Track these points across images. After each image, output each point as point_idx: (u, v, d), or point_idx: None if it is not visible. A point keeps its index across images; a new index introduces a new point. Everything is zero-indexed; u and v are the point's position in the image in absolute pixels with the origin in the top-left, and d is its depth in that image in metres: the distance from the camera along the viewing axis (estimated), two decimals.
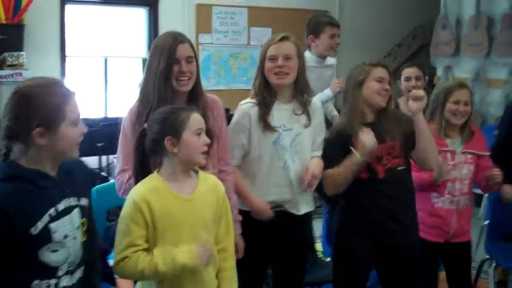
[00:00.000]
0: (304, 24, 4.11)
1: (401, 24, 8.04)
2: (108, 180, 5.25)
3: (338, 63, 4.27)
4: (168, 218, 2.14)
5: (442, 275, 3.27)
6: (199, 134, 2.19)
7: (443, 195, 3.07)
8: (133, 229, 2.12)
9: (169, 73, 2.44)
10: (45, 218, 1.84)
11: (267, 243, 2.80)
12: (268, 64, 2.73)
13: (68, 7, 6.30)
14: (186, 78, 2.48)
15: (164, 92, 2.43)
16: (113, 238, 2.19)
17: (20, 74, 5.47)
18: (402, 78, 3.79)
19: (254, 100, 2.76)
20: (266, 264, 2.92)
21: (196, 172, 2.27)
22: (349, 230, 2.86)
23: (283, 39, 2.74)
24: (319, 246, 3.92)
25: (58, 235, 1.87)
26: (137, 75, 6.70)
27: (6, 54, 5.35)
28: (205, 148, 2.20)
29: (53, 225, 1.86)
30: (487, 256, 3.72)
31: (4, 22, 5.49)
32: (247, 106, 2.76)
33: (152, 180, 2.19)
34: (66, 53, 6.32)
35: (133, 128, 2.45)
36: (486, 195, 4.06)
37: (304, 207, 2.84)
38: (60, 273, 1.90)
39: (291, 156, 2.75)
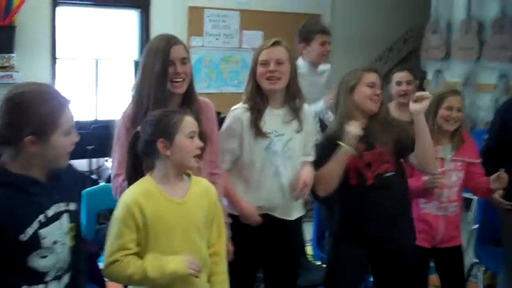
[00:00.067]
0: (296, 27, 4.13)
1: (392, 28, 8.08)
2: (99, 183, 5.25)
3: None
4: (160, 221, 2.14)
5: (432, 278, 3.28)
6: (192, 137, 2.19)
7: (430, 201, 3.08)
8: (124, 232, 2.11)
9: (165, 75, 2.44)
10: (35, 225, 1.82)
11: (257, 247, 2.80)
12: (260, 69, 2.73)
13: (59, 9, 6.28)
14: (181, 79, 2.48)
15: (159, 94, 2.42)
16: (103, 241, 2.19)
17: (11, 76, 5.46)
18: (393, 82, 3.80)
19: (246, 105, 2.76)
20: (257, 268, 2.92)
21: (189, 175, 2.27)
22: (342, 238, 2.87)
23: (275, 44, 2.75)
24: (309, 249, 3.93)
25: (48, 241, 1.86)
26: (129, 78, 6.69)
27: None
28: (198, 151, 2.20)
29: (42, 231, 1.84)
30: (476, 260, 3.73)
31: None
32: (239, 111, 2.76)
33: (144, 183, 2.19)
34: (57, 55, 6.29)
35: (127, 131, 2.44)
36: (476, 198, 4.08)
37: (295, 212, 2.85)
38: (48, 278, 1.89)
39: (282, 162, 2.75)
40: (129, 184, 2.24)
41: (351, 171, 2.78)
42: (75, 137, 1.91)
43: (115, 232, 2.13)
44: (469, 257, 3.69)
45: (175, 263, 2.10)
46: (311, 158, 2.87)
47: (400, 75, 3.78)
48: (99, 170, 5.73)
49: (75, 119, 1.93)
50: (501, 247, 3.46)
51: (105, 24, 6.64)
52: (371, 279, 3.04)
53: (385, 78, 3.29)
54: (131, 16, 6.83)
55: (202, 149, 2.24)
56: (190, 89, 2.55)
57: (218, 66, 7.16)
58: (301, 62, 3.88)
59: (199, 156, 2.22)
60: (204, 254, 2.24)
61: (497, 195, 3.20)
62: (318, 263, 3.77)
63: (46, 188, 1.89)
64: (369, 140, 2.77)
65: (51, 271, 1.89)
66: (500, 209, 3.26)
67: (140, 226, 2.12)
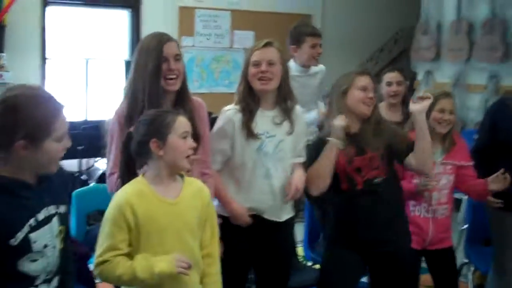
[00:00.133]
0: (287, 27, 4.14)
1: (383, 29, 8.10)
2: (88, 184, 5.23)
3: None
4: (152, 222, 2.14)
5: (424, 278, 3.30)
6: (185, 138, 2.19)
7: (420, 203, 3.09)
8: (115, 232, 2.11)
9: (158, 71, 2.44)
10: (25, 229, 1.80)
11: (247, 247, 2.79)
12: (252, 70, 2.73)
13: (50, 9, 6.26)
14: (175, 76, 2.48)
15: (154, 91, 2.43)
16: (94, 242, 2.19)
17: (1, 76, 5.44)
18: (383, 83, 3.81)
19: (237, 107, 2.76)
20: (248, 269, 2.92)
21: (182, 176, 2.26)
22: (336, 241, 2.88)
23: (266, 45, 2.75)
24: (300, 250, 3.93)
25: (38, 244, 1.84)
26: (119, 78, 6.68)
27: None
28: (191, 152, 2.20)
29: (33, 235, 1.82)
30: (466, 260, 3.75)
31: None
32: (230, 113, 2.76)
33: (137, 184, 2.19)
34: (47, 55, 6.27)
35: (121, 129, 2.43)
36: (466, 199, 4.10)
37: (284, 214, 2.86)
38: (38, 282, 1.88)
39: (273, 163, 2.76)
40: (123, 184, 2.24)
41: (342, 175, 2.79)
42: (67, 143, 1.88)
43: (106, 232, 2.13)
44: (459, 257, 3.69)
45: (163, 263, 2.09)
46: (302, 159, 2.87)
47: (390, 76, 3.79)
48: (89, 170, 5.70)
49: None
50: (490, 247, 3.48)
51: (96, 24, 6.63)
52: (363, 279, 3.05)
53: (376, 79, 3.30)
54: (122, 16, 6.81)
55: (195, 149, 2.24)
56: (184, 88, 2.55)
57: (209, 66, 7.16)
58: (292, 64, 3.88)
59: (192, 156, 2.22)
60: (196, 255, 2.24)
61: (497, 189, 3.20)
62: (309, 264, 3.77)
63: (36, 191, 1.87)
64: (360, 145, 2.78)
65: (41, 275, 1.88)
66: (490, 208, 3.27)
67: (132, 226, 2.12)
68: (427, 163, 2.84)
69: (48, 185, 1.92)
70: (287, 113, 2.78)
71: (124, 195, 2.15)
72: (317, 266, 3.64)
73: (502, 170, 3.04)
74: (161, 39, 2.48)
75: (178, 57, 2.50)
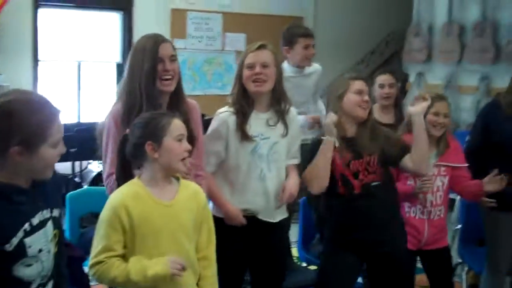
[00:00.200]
0: (279, 30, 4.15)
1: (375, 31, 8.13)
2: (82, 186, 5.21)
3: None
4: (147, 223, 2.13)
5: (420, 278, 3.31)
6: (180, 140, 2.19)
7: (414, 205, 3.11)
8: (110, 234, 2.11)
9: (154, 72, 2.44)
10: (20, 234, 1.78)
11: (241, 248, 2.80)
12: (246, 72, 2.74)
13: (41, 11, 6.24)
14: (170, 77, 2.49)
15: (150, 92, 2.43)
16: (88, 245, 2.19)
17: None
18: (376, 85, 3.82)
19: (232, 109, 2.77)
20: (243, 270, 2.92)
21: (178, 178, 2.27)
22: (333, 244, 2.89)
23: (260, 47, 2.76)
24: (294, 251, 3.94)
25: (33, 249, 1.82)
26: (111, 80, 6.67)
27: None
28: (186, 154, 2.20)
29: (28, 240, 1.80)
30: (460, 260, 3.76)
31: None
32: (225, 115, 2.76)
33: (132, 186, 2.19)
34: (39, 57, 6.25)
35: (118, 130, 2.43)
36: (459, 198, 4.12)
37: (279, 215, 2.86)
38: (33, 286, 1.86)
39: (267, 165, 2.76)
40: (119, 186, 2.24)
41: (339, 179, 2.80)
42: (62, 149, 1.86)
43: (101, 234, 2.13)
44: (453, 257, 3.71)
45: (157, 266, 2.09)
46: (297, 161, 2.89)
47: (382, 78, 3.81)
48: (82, 173, 5.69)
49: None
50: (484, 246, 3.49)
51: (88, 26, 6.61)
52: (360, 280, 3.06)
53: (369, 82, 3.32)
54: (114, 19, 6.80)
55: (190, 152, 2.24)
56: (179, 89, 2.55)
57: (201, 68, 7.16)
58: (286, 65, 3.89)
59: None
60: (192, 257, 2.23)
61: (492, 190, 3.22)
62: (304, 264, 3.78)
63: (30, 196, 1.85)
64: (357, 149, 2.80)
65: (36, 279, 1.86)
66: (483, 208, 3.29)
67: (127, 228, 2.12)
68: (424, 165, 2.86)
69: (41, 189, 1.90)
70: (281, 115, 2.79)
71: (119, 197, 2.16)
72: (312, 267, 3.66)
73: (496, 171, 3.05)
74: (157, 40, 2.49)
75: (173, 58, 2.50)
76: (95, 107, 6.52)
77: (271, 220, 2.82)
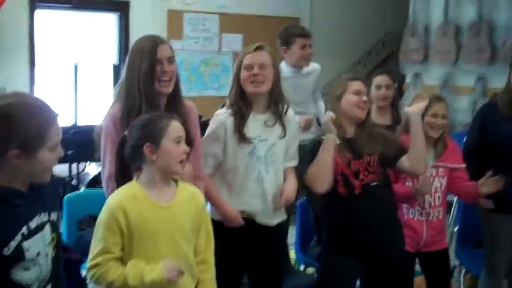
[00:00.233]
0: (275, 30, 4.16)
1: (371, 31, 8.13)
2: (79, 189, 5.20)
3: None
4: (145, 225, 2.13)
5: (417, 280, 3.31)
6: (178, 142, 2.19)
7: (413, 207, 3.11)
8: (108, 236, 2.12)
9: (152, 73, 2.44)
10: (18, 237, 1.78)
11: (240, 252, 2.80)
12: (243, 73, 2.74)
13: (38, 12, 6.23)
14: (168, 78, 2.49)
15: (149, 93, 2.43)
16: (85, 248, 2.19)
17: None
18: (373, 86, 3.82)
19: (229, 111, 2.77)
20: (241, 272, 2.91)
21: (176, 181, 2.26)
22: (333, 245, 2.89)
23: (258, 48, 2.76)
24: (292, 253, 3.93)
25: (31, 253, 1.82)
26: (108, 82, 6.65)
27: None
28: (184, 157, 2.20)
29: (26, 244, 1.80)
30: (457, 262, 3.76)
31: None
32: (223, 117, 2.76)
33: (130, 187, 2.19)
34: (36, 59, 6.24)
35: (117, 131, 2.43)
36: (456, 199, 4.12)
37: (277, 217, 2.86)
38: None
39: (265, 167, 2.76)
40: (118, 187, 2.24)
41: (340, 179, 2.80)
42: (60, 152, 1.86)
43: (99, 236, 2.14)
44: (450, 259, 3.72)
45: (154, 272, 2.09)
46: (295, 162, 2.89)
47: (379, 79, 3.81)
48: (79, 175, 5.68)
49: None
50: (481, 248, 3.49)
51: (84, 27, 6.60)
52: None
53: (367, 83, 3.32)
54: (110, 20, 6.79)
55: (188, 154, 2.24)
56: (176, 90, 2.56)
57: (198, 69, 7.15)
58: (284, 66, 3.90)
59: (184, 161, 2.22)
60: (190, 259, 2.23)
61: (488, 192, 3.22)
62: (302, 267, 3.77)
63: (28, 199, 1.85)
64: (356, 149, 2.80)
65: (34, 283, 1.85)
66: (480, 210, 3.29)
67: (124, 230, 2.12)
68: (421, 165, 2.87)
69: (39, 192, 1.90)
70: (279, 116, 2.79)
71: (117, 199, 2.16)
72: (310, 270, 3.65)
73: (491, 173, 3.06)
74: (155, 41, 2.49)
75: (171, 60, 2.51)
76: (92, 109, 6.51)
77: (269, 223, 2.82)
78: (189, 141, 2.28)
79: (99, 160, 2.59)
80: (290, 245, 3.92)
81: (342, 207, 2.82)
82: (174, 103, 2.54)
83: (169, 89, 2.51)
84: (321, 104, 4.12)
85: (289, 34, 4.05)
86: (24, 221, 1.81)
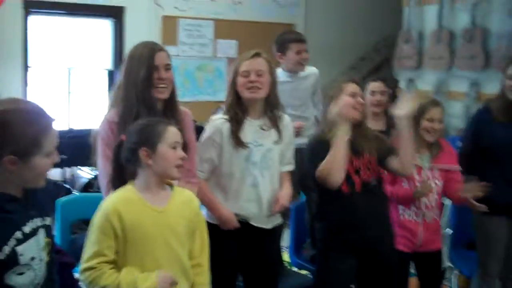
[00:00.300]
0: (270, 36, 4.18)
1: (365, 37, 8.16)
2: (72, 192, 5.18)
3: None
4: (139, 229, 2.14)
5: (412, 281, 3.31)
6: (174, 148, 2.19)
7: (409, 208, 3.11)
8: (101, 239, 2.12)
9: (150, 80, 2.46)
10: (12, 242, 1.78)
11: (235, 255, 2.80)
12: (240, 80, 2.75)
13: (32, 18, 6.22)
14: (165, 85, 2.51)
15: (147, 99, 2.45)
16: (79, 251, 2.18)
17: None
18: (367, 92, 3.84)
19: (226, 116, 2.78)
20: (236, 275, 2.92)
21: (171, 185, 2.26)
22: (331, 245, 2.89)
23: (255, 55, 2.78)
24: (285, 256, 3.93)
25: (25, 257, 1.81)
26: (102, 87, 6.65)
27: None
28: (180, 162, 2.20)
29: (19, 248, 1.80)
30: (450, 264, 3.77)
31: None
32: (219, 122, 2.78)
33: (125, 191, 2.20)
34: (29, 64, 6.23)
35: (114, 136, 2.43)
36: (448, 202, 4.13)
37: (272, 221, 2.87)
38: None
39: (260, 172, 2.78)
40: (114, 190, 2.24)
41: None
42: (56, 158, 1.86)
43: (93, 239, 2.14)
44: (443, 261, 3.73)
45: (146, 282, 2.10)
46: (291, 167, 2.90)
47: (374, 85, 3.82)
48: (72, 179, 5.66)
49: None
50: (474, 251, 3.50)
51: (79, 33, 6.59)
52: None
53: (362, 85, 3.33)
54: (105, 26, 6.79)
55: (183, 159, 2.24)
56: (173, 97, 2.58)
57: (193, 75, 7.16)
58: (280, 71, 3.92)
59: (180, 166, 2.22)
60: (185, 264, 2.23)
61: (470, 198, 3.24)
62: (295, 269, 3.77)
63: (22, 204, 1.84)
64: (356, 147, 2.82)
65: None
66: (474, 212, 3.30)
67: (119, 234, 2.12)
68: (409, 165, 2.89)
69: (34, 197, 1.90)
70: (274, 122, 2.81)
71: (112, 203, 2.16)
72: (303, 272, 3.65)
73: (476, 179, 3.08)
74: (153, 48, 2.52)
75: (168, 67, 2.54)
76: (85, 114, 6.50)
77: (264, 227, 2.83)
78: (184, 146, 2.28)
79: (94, 165, 2.59)
80: (284, 248, 3.92)
81: (342, 204, 2.82)
82: (170, 109, 2.56)
83: (166, 95, 2.53)
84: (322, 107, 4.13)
85: (284, 40, 4.08)
86: (17, 226, 1.81)
